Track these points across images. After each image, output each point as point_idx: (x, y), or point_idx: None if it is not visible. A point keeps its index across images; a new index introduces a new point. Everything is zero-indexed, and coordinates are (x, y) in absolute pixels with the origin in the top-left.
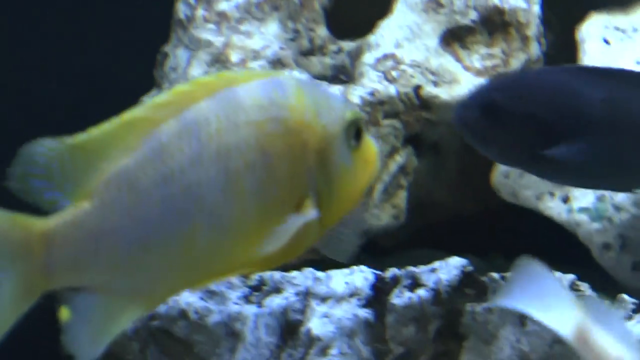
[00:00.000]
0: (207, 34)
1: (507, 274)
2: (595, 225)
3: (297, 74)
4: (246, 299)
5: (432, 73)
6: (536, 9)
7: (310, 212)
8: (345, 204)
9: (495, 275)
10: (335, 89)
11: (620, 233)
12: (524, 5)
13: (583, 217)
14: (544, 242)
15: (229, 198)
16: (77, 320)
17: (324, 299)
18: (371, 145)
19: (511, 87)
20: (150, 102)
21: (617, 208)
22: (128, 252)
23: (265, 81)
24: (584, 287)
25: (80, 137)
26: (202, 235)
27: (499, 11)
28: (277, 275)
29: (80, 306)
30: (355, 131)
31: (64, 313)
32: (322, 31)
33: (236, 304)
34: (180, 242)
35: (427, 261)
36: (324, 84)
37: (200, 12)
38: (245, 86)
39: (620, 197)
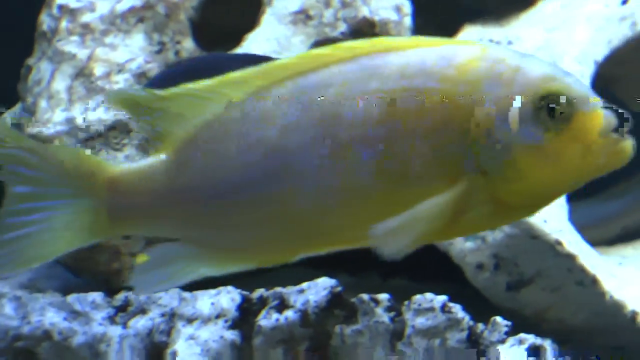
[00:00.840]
0: (71, 46)
1: (379, 296)
2: (469, 245)
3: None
4: (111, 319)
5: None
6: (408, 20)
7: (461, 189)
8: (539, 189)
9: (365, 296)
10: None
11: (494, 252)
12: (395, 17)
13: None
14: (420, 261)
15: (332, 169)
16: (150, 265)
17: (190, 320)
18: (594, 123)
19: (170, 71)
20: (269, 64)
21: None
22: (203, 210)
23: (430, 50)
24: (456, 308)
25: (172, 91)
26: (294, 202)
27: (369, 23)
28: (142, 296)
29: (158, 252)
30: (549, 106)
31: (142, 257)
32: (188, 43)
33: (101, 324)
34: (267, 205)
35: (297, 281)
36: (534, 61)
37: (64, 24)
38: (399, 53)
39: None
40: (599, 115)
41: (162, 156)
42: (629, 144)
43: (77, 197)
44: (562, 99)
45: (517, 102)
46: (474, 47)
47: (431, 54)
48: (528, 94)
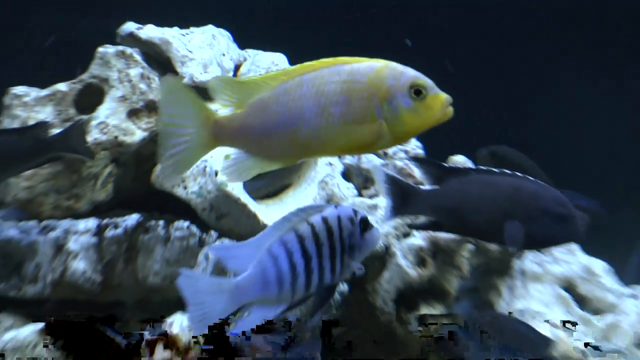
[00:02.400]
0: (18, 111)
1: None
2: (199, 200)
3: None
4: None
5: (122, 130)
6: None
7: (376, 127)
8: (405, 130)
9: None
10: None
11: (210, 203)
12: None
13: (192, 196)
14: (179, 211)
15: (319, 116)
16: (232, 163)
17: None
18: (437, 100)
19: None
20: (287, 68)
21: (209, 192)
22: (258, 137)
23: (363, 63)
24: (193, 227)
25: (245, 78)
26: (301, 133)
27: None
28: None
29: (237, 158)
30: (415, 90)
31: (228, 157)
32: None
33: None
34: (288, 135)
35: None
36: (410, 70)
37: (15, 102)
38: (349, 64)
39: (210, 187)
40: (438, 95)
41: (238, 112)
42: (451, 109)
43: (201, 128)
44: (421, 87)
45: (401, 87)
46: (382, 62)
47: (363, 64)
48: (407, 83)
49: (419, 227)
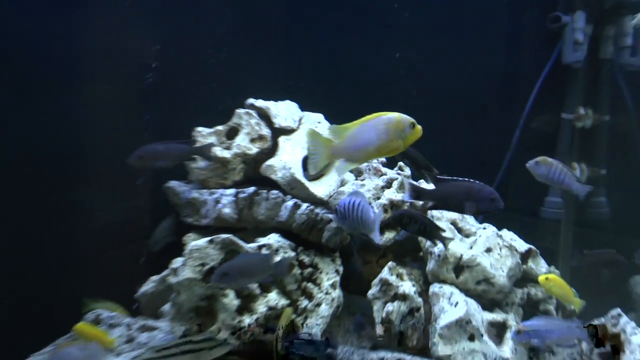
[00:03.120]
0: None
1: None
2: (282, 180)
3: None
4: None
5: (247, 147)
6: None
7: (399, 143)
8: (408, 143)
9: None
10: None
11: (288, 181)
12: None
13: (280, 179)
14: (273, 186)
15: (376, 140)
16: (339, 165)
17: None
18: (418, 129)
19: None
20: (358, 120)
21: (287, 177)
22: (351, 152)
23: (389, 114)
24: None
25: (343, 125)
26: (369, 148)
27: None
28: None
29: (341, 164)
30: (411, 124)
31: (336, 163)
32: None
33: None
34: (364, 149)
35: None
36: (404, 118)
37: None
38: (381, 116)
39: (287, 175)
40: (417, 125)
41: (340, 141)
42: (420, 132)
43: (325, 149)
44: (413, 123)
45: (407, 124)
46: (397, 114)
47: (389, 115)
48: (408, 122)
49: (430, 208)
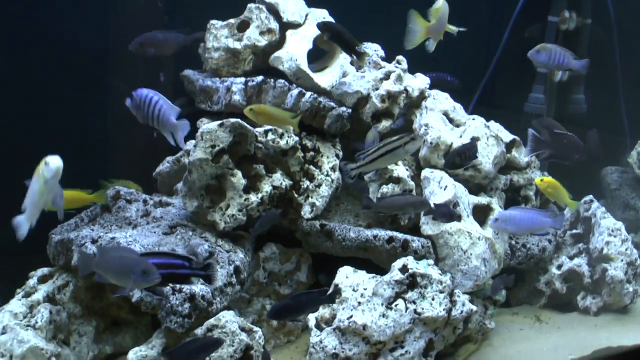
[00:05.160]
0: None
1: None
2: (289, 71)
3: None
4: None
5: (257, 39)
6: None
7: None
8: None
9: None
10: None
11: (293, 72)
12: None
13: (286, 69)
14: (280, 76)
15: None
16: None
17: None
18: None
19: None
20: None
21: (293, 68)
22: (440, 32)
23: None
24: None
25: (434, 7)
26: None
27: None
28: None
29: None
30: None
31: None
32: None
33: None
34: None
35: None
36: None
37: None
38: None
39: (293, 66)
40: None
41: (434, 22)
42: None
43: (422, 28)
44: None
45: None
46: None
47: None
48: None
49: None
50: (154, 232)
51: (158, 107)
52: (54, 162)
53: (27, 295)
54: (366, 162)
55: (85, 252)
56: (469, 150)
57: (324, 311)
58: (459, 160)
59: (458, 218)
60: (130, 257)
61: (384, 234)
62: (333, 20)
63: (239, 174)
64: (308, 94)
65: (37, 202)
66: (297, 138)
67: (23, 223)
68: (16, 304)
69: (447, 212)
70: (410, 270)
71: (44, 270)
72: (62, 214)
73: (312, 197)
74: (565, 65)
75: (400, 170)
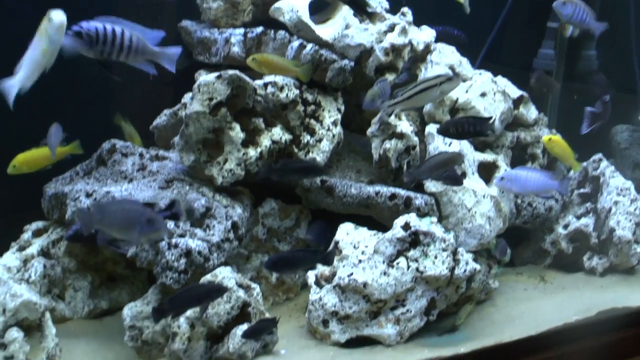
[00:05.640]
0: None
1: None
2: (290, 22)
3: None
4: None
5: None
6: None
7: None
8: None
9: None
10: None
11: (294, 23)
12: None
13: (287, 20)
14: (281, 27)
15: None
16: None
17: None
18: None
19: None
20: None
21: (294, 19)
22: None
23: None
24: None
25: None
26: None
27: None
28: None
29: None
30: None
31: None
32: None
33: None
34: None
35: None
36: None
37: None
38: None
39: (294, 17)
40: None
41: None
42: None
43: None
44: None
45: None
46: None
47: None
48: None
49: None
50: (150, 187)
51: (126, 37)
52: (57, 17)
53: (22, 249)
54: (403, 99)
55: (84, 211)
56: (469, 125)
57: (323, 268)
58: (453, 131)
59: (463, 175)
60: (133, 208)
61: (386, 190)
62: None
63: (237, 127)
64: (309, 46)
65: (39, 61)
66: (297, 91)
67: (12, 88)
68: (10, 258)
69: (453, 176)
70: (412, 228)
71: (39, 224)
72: (54, 153)
73: (312, 152)
74: (586, 24)
75: (404, 125)
